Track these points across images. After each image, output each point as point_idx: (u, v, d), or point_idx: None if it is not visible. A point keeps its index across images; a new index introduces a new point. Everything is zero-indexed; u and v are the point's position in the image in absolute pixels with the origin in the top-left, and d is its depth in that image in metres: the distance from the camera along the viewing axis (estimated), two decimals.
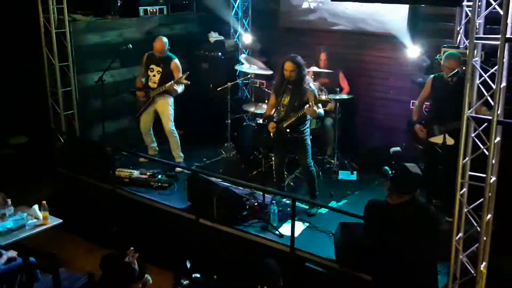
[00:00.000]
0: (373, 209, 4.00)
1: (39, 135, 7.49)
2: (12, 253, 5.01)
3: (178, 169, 6.99)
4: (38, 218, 5.48)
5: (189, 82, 6.84)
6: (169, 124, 7.09)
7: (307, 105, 5.59)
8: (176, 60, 7.00)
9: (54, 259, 4.64)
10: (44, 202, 5.50)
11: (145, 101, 7.05)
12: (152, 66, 7.02)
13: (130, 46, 6.97)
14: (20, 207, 5.67)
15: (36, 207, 5.54)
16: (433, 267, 4.02)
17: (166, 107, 7.05)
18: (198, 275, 4.08)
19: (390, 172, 3.99)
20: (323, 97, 5.68)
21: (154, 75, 7.01)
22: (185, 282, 4.16)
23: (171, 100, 7.08)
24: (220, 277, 4.13)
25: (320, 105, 5.71)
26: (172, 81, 6.82)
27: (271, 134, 5.99)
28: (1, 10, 7.14)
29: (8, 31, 7.22)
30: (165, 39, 6.95)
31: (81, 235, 6.61)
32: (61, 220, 5.57)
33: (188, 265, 4.33)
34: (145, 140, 7.37)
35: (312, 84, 5.89)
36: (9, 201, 5.54)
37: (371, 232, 4.03)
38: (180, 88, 6.92)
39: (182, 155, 7.24)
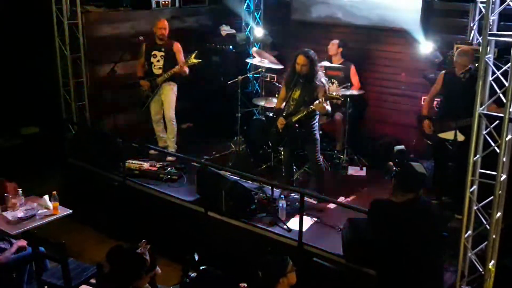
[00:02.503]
0: (378, 208, 3.99)
1: (50, 126, 7.55)
2: (22, 242, 5.07)
3: (169, 157, 7.03)
4: (49, 208, 5.51)
5: (200, 61, 6.80)
6: (170, 112, 7.09)
7: (317, 101, 5.56)
8: (177, 43, 6.96)
9: (63, 249, 4.68)
10: (54, 192, 5.54)
11: (151, 90, 7.02)
12: (154, 52, 6.98)
13: (141, 38, 6.98)
14: (30, 197, 5.72)
15: (46, 197, 5.58)
16: (438, 265, 4.01)
17: (170, 94, 7.05)
18: (206, 267, 4.10)
19: (394, 168, 3.98)
20: (334, 94, 5.65)
21: (158, 61, 6.96)
22: (193, 275, 4.18)
23: (175, 87, 7.07)
24: (227, 270, 4.14)
25: (328, 101, 5.67)
26: (182, 63, 6.78)
27: (280, 129, 5.98)
28: (15, 1, 7.18)
29: (21, 22, 7.27)
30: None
31: (90, 225, 6.67)
32: (71, 211, 5.61)
33: (196, 257, 4.35)
34: (155, 130, 7.38)
35: (324, 80, 5.86)
36: (20, 190, 5.59)
37: (376, 230, 4.02)
38: (187, 70, 6.87)
39: (176, 145, 7.24)
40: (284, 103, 5.99)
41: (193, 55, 6.73)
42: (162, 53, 6.94)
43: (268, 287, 3.63)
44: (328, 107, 5.67)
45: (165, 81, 6.97)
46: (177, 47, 6.95)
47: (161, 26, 6.89)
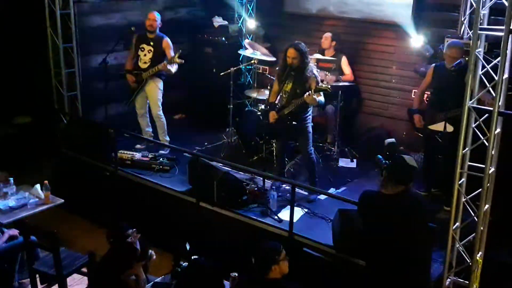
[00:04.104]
0: (368, 199, 4.03)
1: (43, 116, 7.53)
2: (14, 232, 5.07)
3: (162, 151, 7.03)
4: (40, 197, 5.53)
5: (183, 61, 6.71)
6: (156, 109, 7.03)
7: (307, 93, 5.59)
8: (167, 39, 6.87)
9: (55, 238, 4.69)
10: (46, 181, 5.55)
11: (137, 85, 6.96)
12: (142, 45, 6.89)
13: (133, 28, 6.94)
14: (22, 186, 5.72)
15: (38, 186, 5.59)
16: (426, 257, 4.07)
17: (155, 91, 6.97)
18: (197, 257, 4.14)
19: (383, 161, 4.02)
20: (323, 85, 5.67)
21: (145, 54, 6.89)
22: (184, 264, 4.22)
23: (161, 83, 6.98)
24: (219, 260, 4.18)
25: (321, 92, 5.70)
26: (165, 61, 6.71)
27: (272, 123, 6.00)
28: None
29: (12, 11, 7.22)
30: (158, 14, 6.87)
31: (82, 215, 6.67)
32: (62, 200, 5.62)
33: (188, 247, 4.38)
34: (140, 124, 7.29)
35: (315, 71, 5.88)
36: (12, 179, 5.59)
37: (365, 221, 4.06)
38: (173, 68, 6.78)
39: (167, 138, 7.21)
40: (277, 97, 6.01)
41: (177, 55, 6.64)
42: (150, 48, 6.86)
43: (261, 274, 3.66)
44: (320, 98, 5.69)
45: (150, 76, 6.90)
46: (166, 43, 6.84)
47: (149, 17, 6.81)
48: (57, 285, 4.91)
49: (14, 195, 5.52)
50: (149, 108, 7.17)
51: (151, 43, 6.87)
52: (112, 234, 4.04)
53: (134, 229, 3.95)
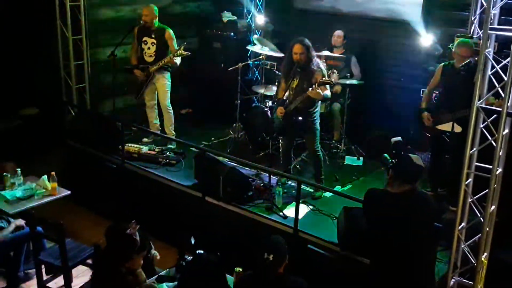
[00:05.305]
0: (373, 197, 4.02)
1: (50, 107, 7.55)
2: (20, 222, 5.11)
3: (170, 145, 7.04)
4: (47, 188, 5.56)
5: (189, 53, 6.71)
6: (165, 100, 7.05)
7: (311, 88, 5.56)
8: (170, 30, 6.84)
9: (61, 229, 4.72)
10: (53, 173, 5.58)
11: (146, 79, 6.97)
12: (145, 38, 6.88)
13: (143, 22, 6.94)
14: (29, 177, 5.76)
15: (45, 177, 5.61)
16: (431, 257, 4.06)
17: (163, 82, 6.99)
18: (201, 251, 4.15)
19: (389, 160, 4.01)
20: (327, 79, 5.63)
21: (148, 48, 6.88)
22: (189, 258, 4.24)
23: (168, 74, 7.01)
24: (223, 255, 4.20)
25: (328, 86, 5.67)
26: (170, 55, 6.70)
27: (280, 119, 6.00)
28: None
29: (22, 3, 7.24)
30: (154, 7, 6.82)
31: (88, 207, 6.71)
32: (69, 192, 5.65)
33: (193, 241, 4.40)
34: (148, 116, 7.30)
35: (321, 65, 5.85)
36: (19, 170, 5.62)
37: (371, 220, 4.06)
38: (178, 60, 6.77)
39: (174, 132, 7.23)
40: (284, 93, 5.99)
41: (182, 47, 6.64)
42: (153, 40, 6.85)
43: (275, 268, 3.64)
44: (326, 92, 5.64)
45: (157, 69, 6.91)
46: (169, 34, 6.82)
47: (144, 13, 6.78)
48: (62, 276, 4.95)
49: (21, 185, 5.56)
50: (158, 100, 7.18)
51: (153, 35, 6.85)
52: (109, 230, 4.01)
53: (133, 221, 3.94)
